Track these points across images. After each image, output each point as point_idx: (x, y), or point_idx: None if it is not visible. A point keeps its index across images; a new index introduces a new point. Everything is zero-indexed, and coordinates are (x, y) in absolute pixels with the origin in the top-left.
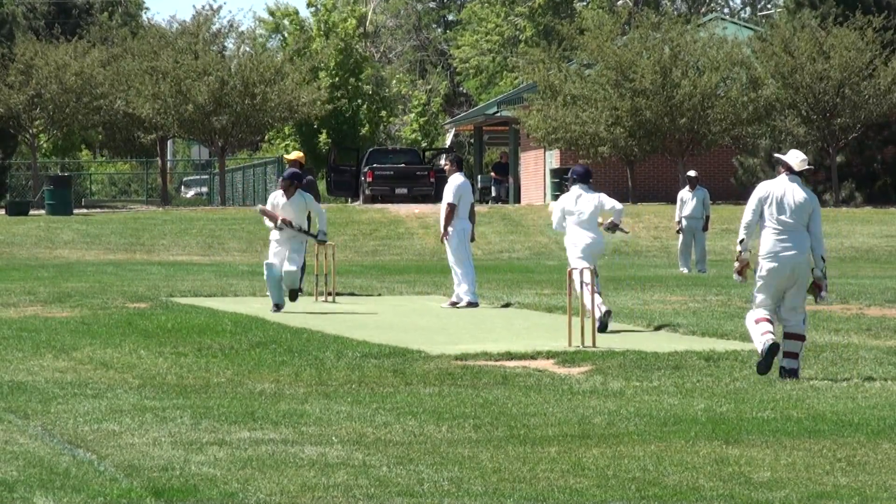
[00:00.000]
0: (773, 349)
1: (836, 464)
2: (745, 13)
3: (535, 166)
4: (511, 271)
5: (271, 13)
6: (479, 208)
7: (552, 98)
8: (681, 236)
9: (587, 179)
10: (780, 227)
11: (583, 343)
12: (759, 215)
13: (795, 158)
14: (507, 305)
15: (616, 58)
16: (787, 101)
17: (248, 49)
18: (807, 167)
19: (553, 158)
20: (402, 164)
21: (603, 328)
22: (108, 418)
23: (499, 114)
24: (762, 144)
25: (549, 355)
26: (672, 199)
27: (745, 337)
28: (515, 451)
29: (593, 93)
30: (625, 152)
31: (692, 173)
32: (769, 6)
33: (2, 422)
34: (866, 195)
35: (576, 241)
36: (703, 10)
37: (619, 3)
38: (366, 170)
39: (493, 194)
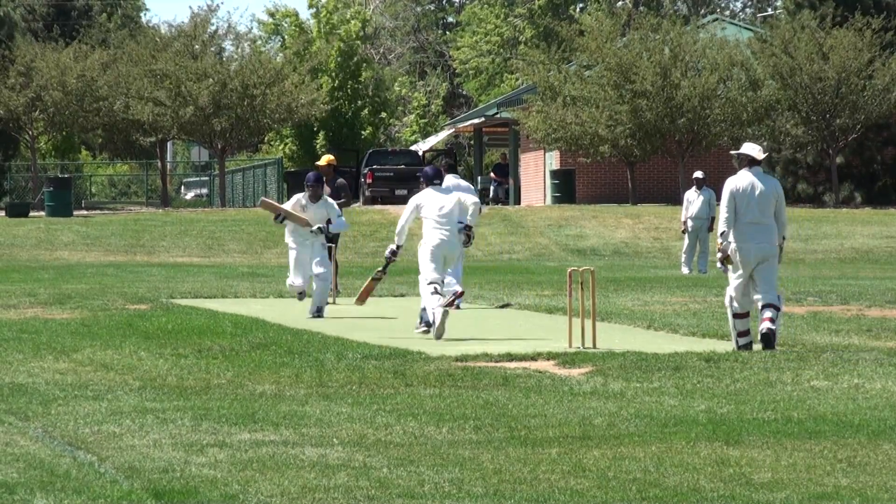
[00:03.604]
0: (748, 348)
1: (836, 465)
2: (744, 14)
3: (535, 167)
4: (511, 272)
5: (271, 14)
6: None
7: (552, 99)
8: (686, 237)
9: (433, 180)
10: (749, 223)
11: (583, 344)
12: (735, 209)
13: (754, 150)
14: (505, 306)
15: (616, 59)
16: (787, 102)
17: (246, 50)
18: (765, 155)
19: (553, 159)
20: (402, 166)
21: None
22: (109, 420)
23: (499, 115)
24: (762, 145)
25: (550, 356)
26: (672, 200)
27: None
28: (516, 452)
29: (593, 94)
30: (625, 153)
31: (699, 174)
32: (769, 8)
33: (2, 423)
34: (866, 196)
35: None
36: (704, 11)
37: (619, 4)
38: (365, 171)
39: (493, 195)
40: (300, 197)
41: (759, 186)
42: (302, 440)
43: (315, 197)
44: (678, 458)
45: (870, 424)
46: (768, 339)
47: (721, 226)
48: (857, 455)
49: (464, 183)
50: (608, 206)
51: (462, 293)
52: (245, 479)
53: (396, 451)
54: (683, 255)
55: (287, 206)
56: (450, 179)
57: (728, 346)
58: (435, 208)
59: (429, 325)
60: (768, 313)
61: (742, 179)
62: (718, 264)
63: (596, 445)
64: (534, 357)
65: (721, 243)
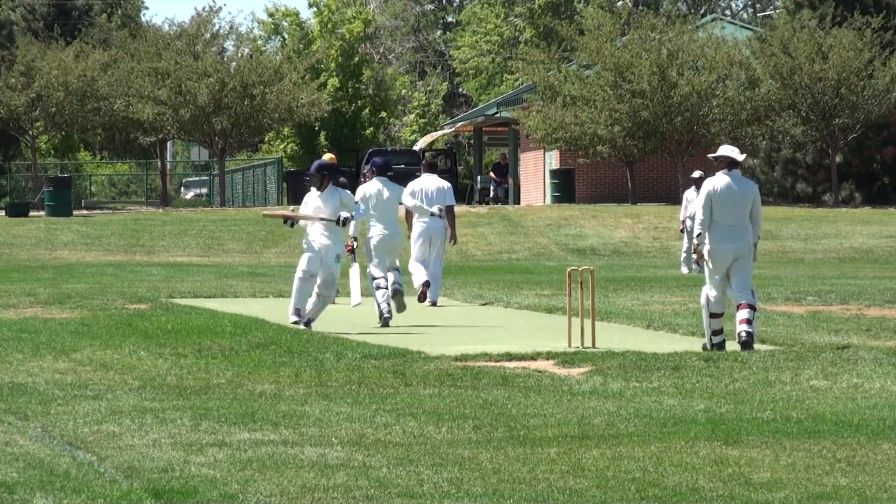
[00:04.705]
0: (720, 347)
1: (835, 464)
2: (745, 14)
3: (535, 167)
4: (511, 272)
5: (270, 14)
6: (478, 209)
7: (552, 99)
8: (685, 237)
9: (385, 171)
10: (725, 224)
11: (582, 344)
12: (711, 211)
13: (733, 151)
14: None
15: (614, 59)
16: (787, 102)
17: (247, 50)
18: (744, 156)
19: (553, 159)
20: (402, 165)
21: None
22: (108, 420)
23: (498, 115)
24: (761, 145)
25: (549, 356)
26: (672, 200)
27: None
28: (515, 451)
29: (592, 94)
30: (624, 153)
31: (697, 174)
32: (769, 7)
33: (2, 423)
34: (865, 195)
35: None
36: (703, 10)
37: (619, 3)
38: (365, 171)
39: (493, 195)
40: (309, 195)
41: (736, 189)
42: (301, 440)
43: (320, 186)
44: (677, 457)
45: (869, 424)
46: (746, 345)
47: (696, 228)
48: (856, 455)
49: (440, 184)
50: (608, 206)
51: (427, 283)
52: (244, 479)
53: (396, 450)
54: (683, 255)
55: (302, 211)
56: (427, 179)
57: (728, 345)
58: (376, 201)
59: (381, 316)
60: (744, 314)
61: (719, 181)
62: (695, 265)
63: (595, 445)
64: (533, 357)
65: (696, 244)
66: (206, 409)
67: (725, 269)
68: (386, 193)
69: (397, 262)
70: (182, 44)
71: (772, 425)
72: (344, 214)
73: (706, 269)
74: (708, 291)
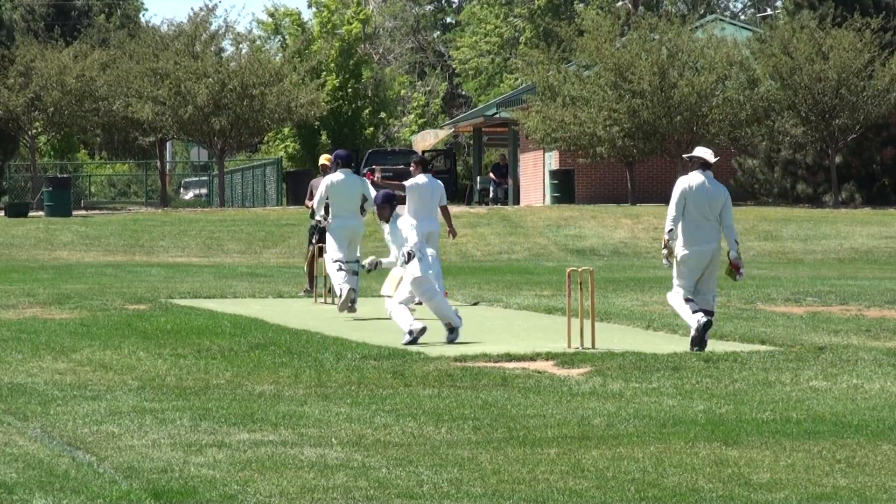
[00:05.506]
0: (707, 325)
1: (835, 465)
2: (745, 15)
3: (535, 167)
4: (510, 273)
5: (270, 14)
6: (478, 210)
7: (551, 99)
8: None
9: (349, 164)
10: (695, 222)
11: (582, 344)
12: (683, 209)
13: (707, 153)
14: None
15: (614, 59)
16: (786, 102)
17: (246, 50)
18: (717, 159)
19: (552, 160)
20: (402, 166)
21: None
22: (108, 420)
23: (498, 115)
24: (761, 146)
25: (549, 357)
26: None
27: (744, 338)
28: (515, 452)
29: (592, 94)
30: (623, 153)
31: None
32: (769, 8)
33: (1, 423)
34: (865, 196)
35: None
36: (703, 10)
37: (618, 4)
38: (365, 171)
39: (492, 196)
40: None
41: (709, 188)
42: (301, 440)
43: (385, 218)
44: (677, 458)
45: (868, 425)
46: (699, 341)
47: (668, 225)
48: (856, 455)
49: (435, 183)
50: (607, 207)
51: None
52: (244, 480)
53: (395, 451)
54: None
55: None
56: (422, 178)
57: (726, 346)
58: (337, 191)
59: (341, 295)
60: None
61: (693, 179)
62: (664, 261)
63: (595, 446)
64: (533, 357)
65: (667, 241)
66: (205, 410)
67: (700, 269)
68: (349, 185)
69: (358, 254)
70: (180, 44)
71: (772, 426)
72: (408, 251)
73: (678, 267)
74: (676, 287)
